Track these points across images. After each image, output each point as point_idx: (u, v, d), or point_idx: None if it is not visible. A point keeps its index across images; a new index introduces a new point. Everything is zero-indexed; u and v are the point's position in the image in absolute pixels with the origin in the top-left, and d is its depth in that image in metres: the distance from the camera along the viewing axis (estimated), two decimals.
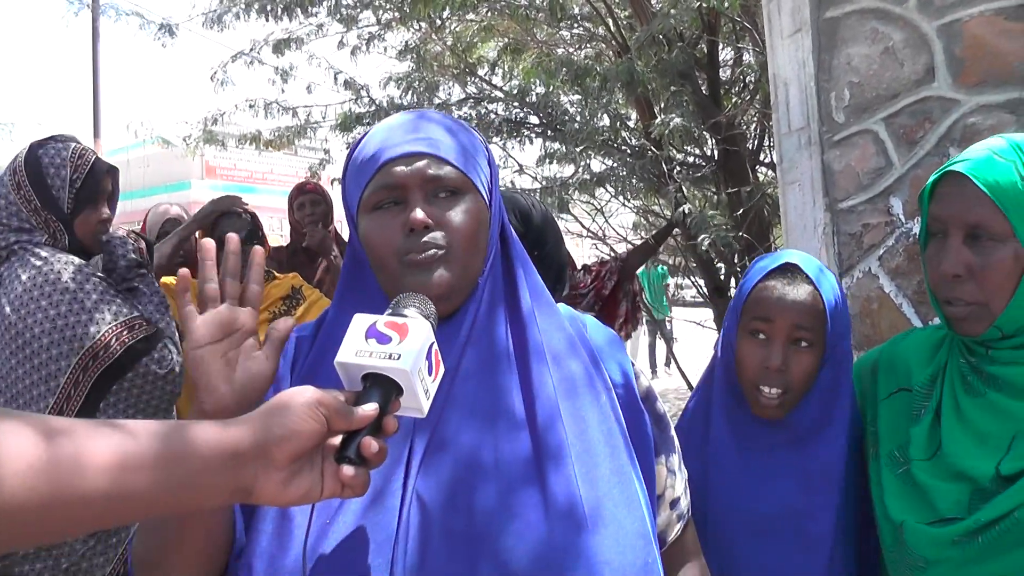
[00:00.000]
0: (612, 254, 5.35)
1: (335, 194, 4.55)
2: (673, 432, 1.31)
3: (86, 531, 0.81)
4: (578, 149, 5.28)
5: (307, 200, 4.17)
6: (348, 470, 0.90)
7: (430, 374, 0.97)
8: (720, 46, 5.58)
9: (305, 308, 3.17)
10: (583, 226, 6.75)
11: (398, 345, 0.94)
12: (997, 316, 1.42)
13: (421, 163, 1.16)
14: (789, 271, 1.65)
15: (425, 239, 1.13)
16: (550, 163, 6.49)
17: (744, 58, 5.76)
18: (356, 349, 0.95)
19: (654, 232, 5.44)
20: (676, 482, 1.28)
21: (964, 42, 2.17)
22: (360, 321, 0.98)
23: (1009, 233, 1.40)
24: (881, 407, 1.64)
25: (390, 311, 1.00)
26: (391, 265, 1.14)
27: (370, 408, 0.92)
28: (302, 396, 0.90)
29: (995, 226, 1.41)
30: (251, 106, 6.35)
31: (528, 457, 1.09)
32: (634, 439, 1.18)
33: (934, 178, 1.49)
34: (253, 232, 3.14)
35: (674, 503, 1.28)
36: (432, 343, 0.98)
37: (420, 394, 0.96)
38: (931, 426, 1.53)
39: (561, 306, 1.30)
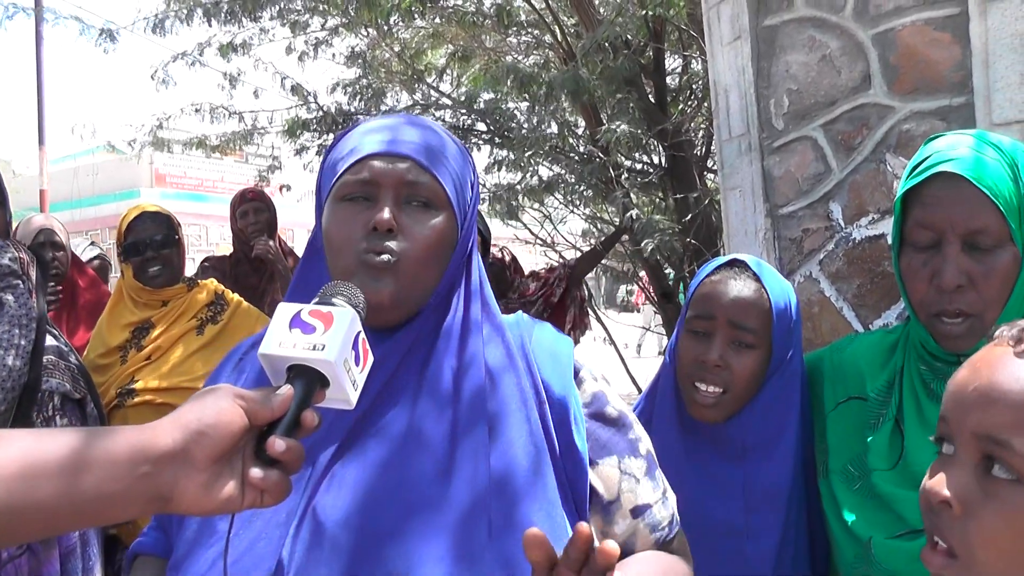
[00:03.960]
0: (561, 260, 5.35)
1: (281, 202, 4.49)
2: (639, 436, 1.20)
3: None
4: (526, 154, 5.28)
5: (250, 208, 4.09)
6: (256, 472, 0.85)
7: (357, 364, 0.93)
8: (667, 54, 5.62)
9: (230, 312, 3.11)
10: (532, 233, 6.75)
11: (322, 335, 0.90)
12: (989, 327, 1.26)
13: (402, 165, 1.12)
14: (736, 266, 1.60)
15: (385, 242, 1.09)
16: (498, 170, 6.49)
17: (692, 66, 5.81)
18: (279, 340, 0.91)
19: (602, 239, 5.46)
20: (639, 488, 1.17)
21: (898, 50, 2.20)
22: (284, 311, 0.94)
23: (1007, 237, 1.32)
24: (829, 419, 1.57)
25: (316, 300, 0.97)
26: (347, 261, 1.11)
27: (284, 390, 0.88)
28: (219, 390, 0.86)
29: (997, 231, 1.32)
30: (197, 110, 6.26)
31: (438, 486, 1.03)
32: (565, 459, 1.12)
33: (915, 181, 1.38)
34: (169, 237, 3.04)
35: (638, 511, 1.16)
36: (359, 332, 0.94)
37: (347, 385, 0.92)
38: (891, 434, 1.45)
39: (518, 314, 1.26)
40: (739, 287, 1.56)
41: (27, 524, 0.76)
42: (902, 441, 1.44)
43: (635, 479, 1.16)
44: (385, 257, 1.09)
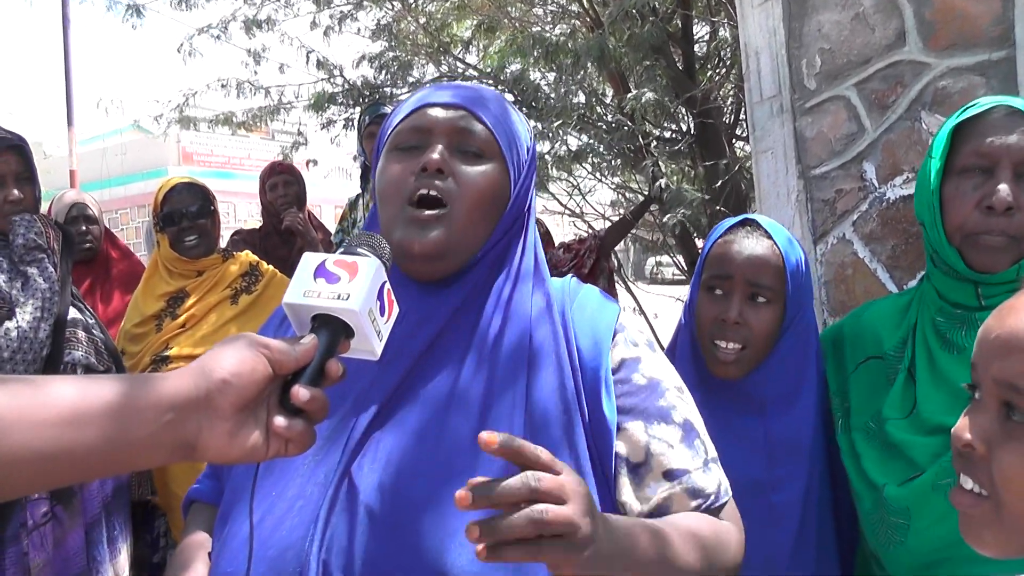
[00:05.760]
0: (590, 231, 5.33)
1: (308, 178, 4.50)
2: (672, 404, 1.15)
3: (15, 494, 0.77)
4: (554, 125, 5.25)
5: (280, 181, 4.11)
6: (280, 421, 0.84)
7: (383, 315, 0.93)
8: (694, 21, 5.56)
9: (264, 283, 3.14)
10: (561, 204, 6.73)
11: (347, 284, 0.90)
12: None
13: (456, 113, 1.14)
14: (748, 225, 1.64)
15: (435, 181, 1.09)
16: None
17: (719, 33, 5.74)
18: (304, 289, 0.90)
19: (631, 208, 5.43)
20: (672, 453, 1.11)
21: (934, 5, 2.16)
22: (309, 260, 0.93)
23: None
24: (851, 380, 1.62)
25: (342, 250, 0.96)
26: (393, 207, 1.11)
27: (308, 339, 0.87)
28: (243, 338, 0.85)
29: None
30: (223, 86, 6.27)
31: (473, 453, 1.00)
32: (593, 423, 1.10)
33: (973, 112, 1.46)
34: (204, 208, 3.06)
35: (673, 475, 1.10)
36: (384, 282, 0.93)
37: (371, 335, 0.91)
38: (904, 385, 1.51)
39: (567, 278, 1.24)
40: (752, 245, 1.60)
41: (59, 470, 0.76)
42: (915, 390, 1.49)
43: (667, 444, 1.11)
44: (434, 211, 1.09)
